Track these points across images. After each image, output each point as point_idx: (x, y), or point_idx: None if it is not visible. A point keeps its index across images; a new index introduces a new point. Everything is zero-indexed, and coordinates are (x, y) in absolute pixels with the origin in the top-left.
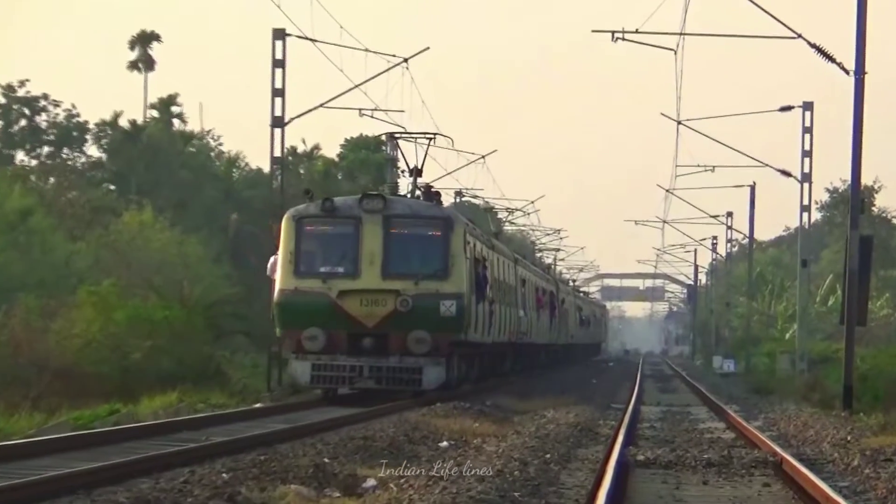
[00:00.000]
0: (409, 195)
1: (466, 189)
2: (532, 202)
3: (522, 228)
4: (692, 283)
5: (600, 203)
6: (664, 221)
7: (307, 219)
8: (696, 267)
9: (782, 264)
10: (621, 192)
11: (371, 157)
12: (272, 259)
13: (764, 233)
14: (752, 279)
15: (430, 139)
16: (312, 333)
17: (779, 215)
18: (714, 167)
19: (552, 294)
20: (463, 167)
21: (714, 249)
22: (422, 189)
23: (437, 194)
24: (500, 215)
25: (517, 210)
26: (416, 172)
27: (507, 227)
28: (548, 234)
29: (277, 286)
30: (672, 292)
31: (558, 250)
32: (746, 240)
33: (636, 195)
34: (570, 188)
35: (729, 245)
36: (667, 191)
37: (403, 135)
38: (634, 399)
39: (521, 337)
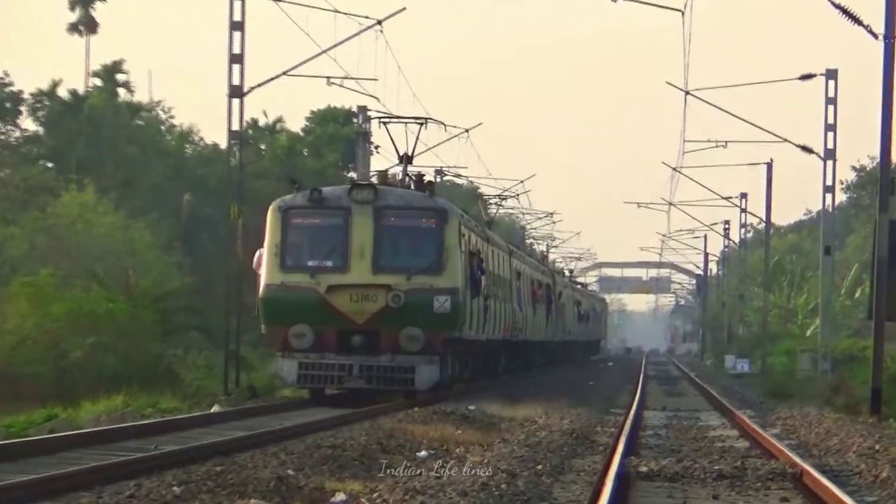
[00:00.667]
0: (385, 179)
1: (448, 167)
2: (521, 182)
3: (511, 212)
4: (701, 272)
5: (598, 183)
6: (670, 204)
7: (294, 210)
8: (707, 255)
9: (803, 252)
10: (622, 171)
11: (340, 132)
12: (258, 252)
13: (782, 216)
14: (769, 268)
15: (422, 124)
16: (300, 331)
17: (799, 197)
18: (726, 143)
19: (548, 287)
20: (444, 142)
21: (726, 235)
22: (412, 178)
23: (431, 184)
24: (486, 197)
25: (505, 192)
26: (406, 160)
27: (494, 211)
28: (539, 218)
29: (263, 280)
30: (679, 283)
31: (552, 238)
32: (762, 224)
33: (638, 175)
34: (565, 167)
35: (743, 230)
36: (673, 169)
37: (392, 119)
38: (637, 403)
39: (515, 334)
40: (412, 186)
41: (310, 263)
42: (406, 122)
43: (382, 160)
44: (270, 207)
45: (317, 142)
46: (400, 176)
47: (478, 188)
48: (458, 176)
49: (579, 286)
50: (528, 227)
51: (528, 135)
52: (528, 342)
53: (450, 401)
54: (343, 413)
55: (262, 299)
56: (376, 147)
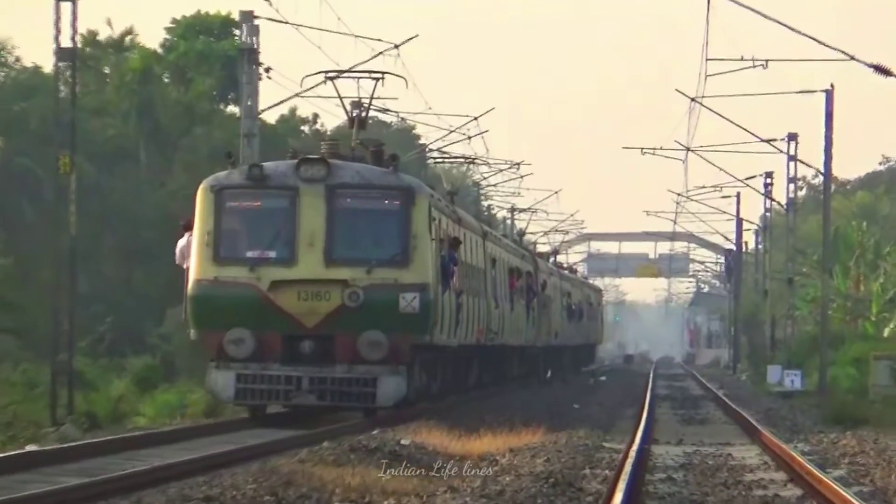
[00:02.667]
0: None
1: (368, 99)
2: (475, 119)
3: (460, 161)
4: (734, 247)
5: (583, 123)
6: (688, 149)
7: (229, 190)
8: (741, 221)
9: (878, 217)
10: (617, 103)
11: (215, 48)
12: (183, 241)
13: (848, 167)
14: (829, 240)
15: (378, 79)
16: (237, 336)
17: (872, 140)
18: (766, 61)
19: (529, 275)
20: (370, 59)
21: (768, 194)
22: (370, 149)
23: (394, 157)
24: (426, 146)
25: (454, 131)
26: (359, 122)
27: (436, 159)
28: (500, 171)
29: (192, 276)
30: (701, 263)
31: (516, 195)
32: (820, 178)
33: (643, 106)
34: (536, 99)
35: (792, 186)
36: (692, 100)
37: (342, 74)
38: (641, 432)
39: (491, 337)
40: (369, 160)
41: (249, 255)
42: (358, 78)
43: (276, 88)
44: (200, 187)
45: (182, 63)
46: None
47: (413, 127)
48: (385, 110)
49: (567, 271)
50: (484, 181)
51: (481, 55)
52: (505, 347)
53: (388, 427)
54: (229, 448)
55: (191, 298)
56: (267, 69)
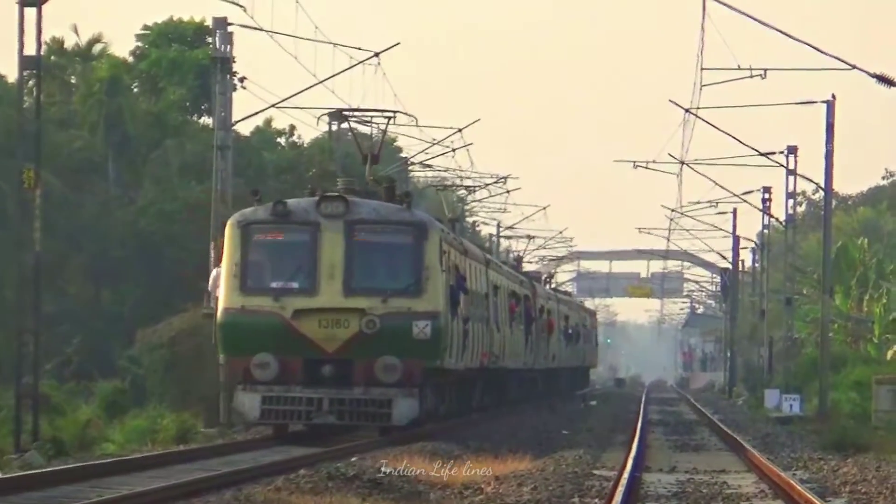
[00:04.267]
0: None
1: (352, 111)
2: (459, 131)
3: (445, 175)
4: (729, 265)
5: (574, 136)
6: (682, 163)
7: (255, 225)
8: (737, 239)
9: (882, 234)
10: (609, 116)
11: (187, 57)
12: (214, 272)
13: (851, 182)
14: (830, 258)
15: (390, 118)
16: (263, 360)
17: (876, 153)
18: (765, 70)
19: (527, 299)
20: (349, 68)
21: (766, 209)
22: (383, 186)
23: (407, 194)
24: (407, 158)
25: (437, 143)
26: (372, 159)
27: (420, 174)
28: (485, 185)
29: (221, 304)
30: (695, 282)
31: (502, 210)
32: (820, 193)
33: (635, 118)
34: (524, 111)
35: (792, 202)
36: (686, 111)
37: (355, 112)
38: (633, 460)
39: (493, 360)
40: (383, 196)
41: (273, 285)
42: (371, 117)
43: (251, 99)
44: (229, 222)
45: (153, 72)
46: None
47: (394, 139)
48: (366, 122)
49: (563, 294)
50: (469, 197)
51: (466, 65)
52: (506, 370)
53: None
54: (201, 476)
55: (219, 325)
56: (242, 79)
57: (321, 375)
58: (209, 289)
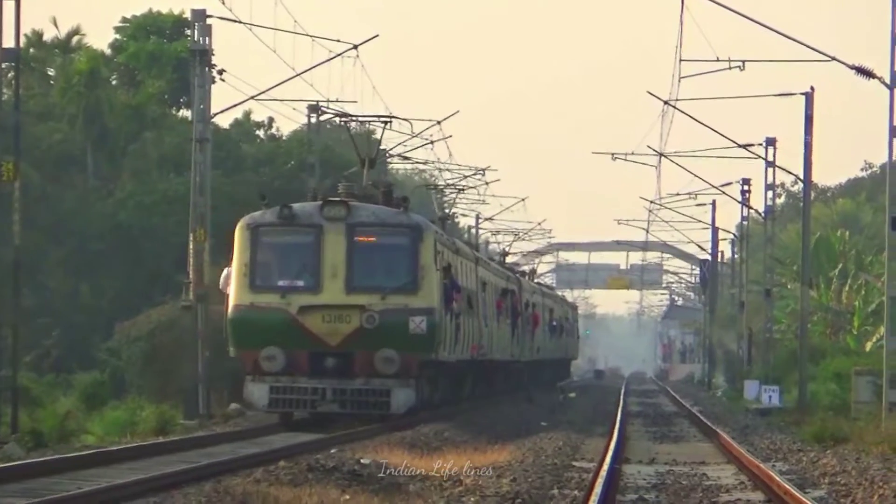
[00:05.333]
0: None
1: (328, 101)
2: (438, 123)
3: (422, 166)
4: (709, 256)
5: (552, 123)
6: (661, 154)
7: (263, 227)
8: (716, 230)
9: (860, 225)
10: (588, 104)
11: (166, 49)
12: (225, 271)
13: (829, 173)
14: (809, 250)
15: (386, 123)
16: (270, 353)
17: (854, 145)
18: (743, 62)
19: (513, 294)
20: (327, 60)
21: (745, 201)
22: (381, 189)
23: (405, 199)
24: (385, 151)
25: (416, 136)
26: (369, 164)
27: (397, 165)
28: (465, 177)
29: (231, 301)
30: (674, 273)
31: (481, 201)
32: (799, 184)
33: (614, 110)
34: (503, 102)
35: (771, 194)
36: (665, 102)
37: (354, 118)
38: (612, 451)
39: (482, 353)
40: (380, 199)
41: (280, 283)
42: (369, 121)
43: (230, 92)
44: (238, 225)
45: (131, 64)
46: (360, 184)
47: (373, 132)
48: (344, 117)
49: (547, 288)
50: (446, 187)
51: (445, 57)
52: (493, 362)
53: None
54: (181, 468)
55: (230, 320)
56: (220, 72)
57: (325, 367)
58: (220, 287)
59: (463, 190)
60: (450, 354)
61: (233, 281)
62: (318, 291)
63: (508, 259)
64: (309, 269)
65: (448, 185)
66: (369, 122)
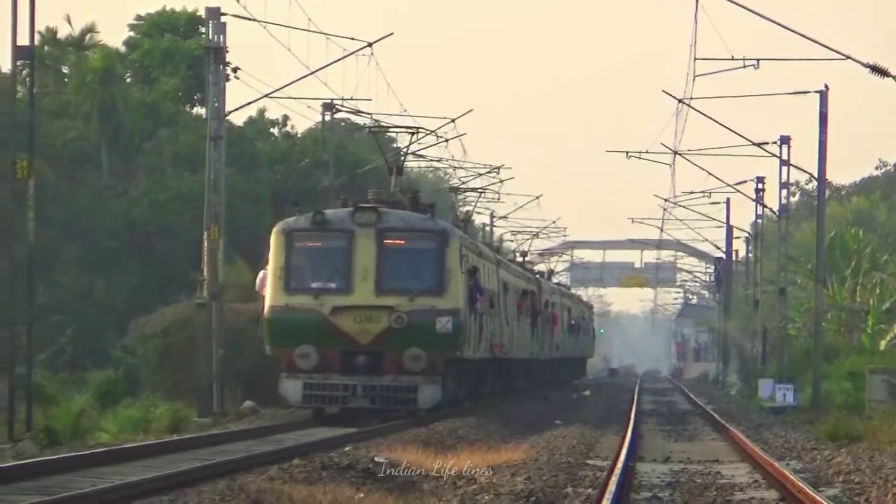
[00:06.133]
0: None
1: (342, 100)
2: (452, 121)
3: (437, 165)
4: (723, 255)
5: (567, 121)
6: (675, 152)
7: (297, 232)
8: (731, 229)
9: (876, 224)
10: (603, 103)
11: (181, 46)
12: (261, 273)
13: (844, 172)
14: (823, 248)
15: (413, 133)
16: (304, 351)
17: (869, 143)
18: (758, 60)
19: (533, 295)
20: (342, 58)
21: (760, 199)
22: (408, 195)
23: (431, 205)
24: (399, 147)
25: (430, 133)
26: (397, 171)
27: (411, 163)
28: (480, 175)
29: (267, 302)
30: (688, 272)
31: (483, 192)
32: (813, 183)
33: (628, 108)
34: (517, 101)
35: (785, 192)
36: (679, 101)
37: (382, 129)
38: (626, 450)
39: (503, 351)
40: (407, 206)
41: (314, 285)
42: (396, 132)
43: (244, 89)
44: (274, 230)
45: (146, 62)
46: (387, 190)
47: (387, 130)
48: (358, 112)
49: (564, 288)
50: (462, 185)
51: (459, 55)
52: (514, 360)
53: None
54: (195, 465)
55: (266, 320)
56: (235, 69)
57: (356, 365)
58: (256, 288)
59: (483, 192)
60: (473, 353)
61: (268, 283)
62: (349, 293)
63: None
64: (341, 271)
65: (468, 188)
66: (396, 132)
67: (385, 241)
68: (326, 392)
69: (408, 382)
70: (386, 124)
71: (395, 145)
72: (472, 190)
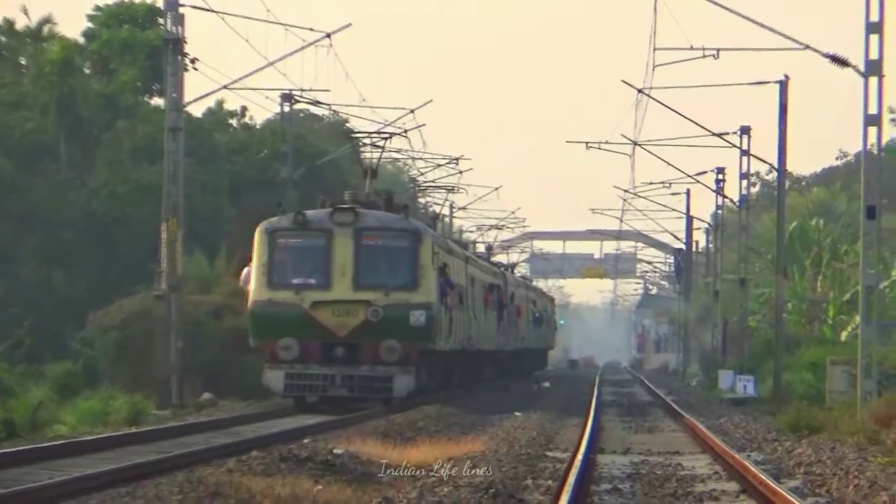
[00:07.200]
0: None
1: (301, 91)
2: (412, 111)
3: (396, 156)
4: (683, 246)
5: (526, 112)
6: (635, 143)
7: (280, 231)
8: (691, 219)
9: (835, 214)
10: (562, 93)
11: (139, 37)
12: (245, 270)
13: (804, 162)
14: (784, 239)
15: (387, 138)
16: (287, 343)
17: (829, 134)
18: (718, 51)
19: (499, 289)
20: (300, 49)
21: (720, 190)
22: (382, 197)
23: (405, 206)
24: (357, 136)
25: (389, 124)
26: (371, 174)
27: (369, 154)
28: (439, 165)
29: (251, 297)
30: (649, 263)
31: (452, 190)
32: (773, 173)
33: (587, 98)
34: (476, 88)
35: (745, 183)
36: (639, 91)
37: (358, 135)
38: (587, 441)
39: (470, 343)
40: (382, 206)
41: (295, 281)
42: (372, 137)
43: (202, 80)
44: (257, 229)
45: (105, 52)
46: (365, 192)
47: (346, 121)
48: (317, 103)
49: (527, 281)
50: (421, 176)
51: (418, 45)
52: (481, 352)
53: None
54: (153, 458)
55: (250, 314)
56: (193, 60)
57: (335, 356)
58: (241, 284)
59: (453, 190)
60: (445, 345)
61: (252, 279)
62: (328, 288)
63: (480, 248)
64: (320, 268)
65: (445, 186)
66: (371, 136)
67: (362, 240)
68: (307, 381)
69: (384, 372)
70: (362, 132)
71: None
72: (444, 189)
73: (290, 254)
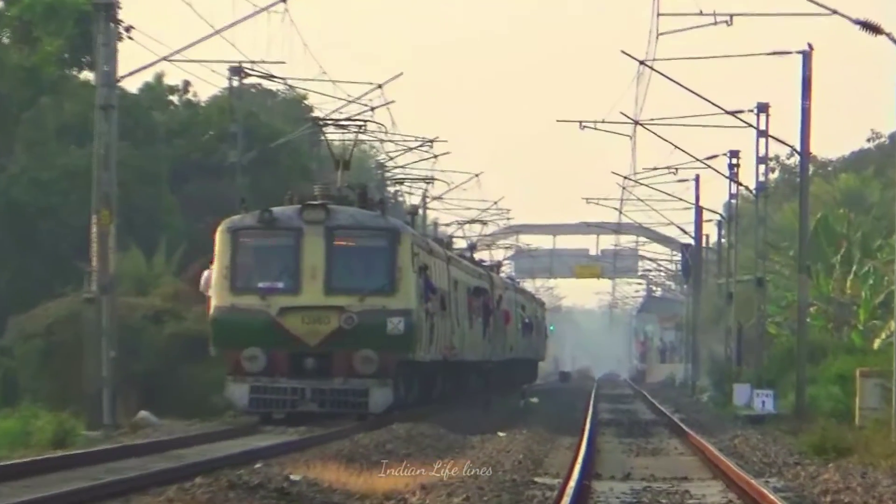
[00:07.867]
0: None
1: (251, 63)
2: (379, 86)
3: (363, 137)
4: (692, 240)
5: (511, 87)
6: (636, 122)
7: (243, 231)
8: (700, 210)
9: (866, 203)
10: (552, 66)
11: (66, 2)
12: (206, 273)
13: (831, 145)
14: (807, 233)
15: (360, 126)
16: (252, 353)
17: (860, 112)
18: (731, 16)
19: (485, 293)
20: (251, 15)
21: (734, 177)
22: (356, 191)
23: (381, 202)
24: (319, 117)
25: (354, 101)
26: (344, 165)
27: (333, 136)
28: (410, 149)
29: (213, 302)
30: (652, 260)
31: (429, 180)
32: (795, 157)
33: (584, 71)
34: (453, 59)
35: (763, 168)
36: (641, 63)
37: (329, 122)
38: (581, 466)
39: (454, 353)
40: (356, 203)
41: (260, 285)
42: (345, 125)
43: (138, 51)
44: (219, 228)
45: (25, 18)
46: (337, 185)
47: (304, 97)
48: (270, 77)
49: (515, 282)
50: (390, 161)
51: (385, 12)
52: (465, 363)
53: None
54: (83, 486)
55: (212, 321)
56: (128, 28)
57: (304, 367)
58: (201, 288)
59: (431, 182)
60: (426, 355)
61: (214, 283)
62: (297, 293)
63: (460, 244)
64: (288, 271)
65: (421, 177)
66: (340, 123)
67: (335, 240)
68: (274, 396)
69: (359, 385)
70: (331, 118)
71: (313, 113)
72: (422, 180)
73: (256, 255)
